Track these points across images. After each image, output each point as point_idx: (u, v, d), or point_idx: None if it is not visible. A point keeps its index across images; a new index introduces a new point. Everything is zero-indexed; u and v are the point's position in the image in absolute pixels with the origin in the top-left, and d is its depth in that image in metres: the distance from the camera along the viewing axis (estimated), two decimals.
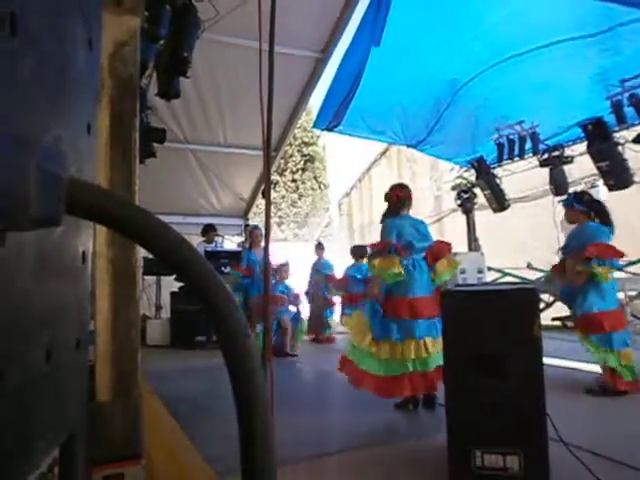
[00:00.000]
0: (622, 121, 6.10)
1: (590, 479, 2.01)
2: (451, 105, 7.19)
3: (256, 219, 12.45)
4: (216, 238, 8.42)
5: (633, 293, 7.17)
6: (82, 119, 0.62)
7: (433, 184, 12.64)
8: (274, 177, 20.61)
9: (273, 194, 20.64)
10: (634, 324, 6.71)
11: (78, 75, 0.59)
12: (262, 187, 8.76)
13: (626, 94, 5.86)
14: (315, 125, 7.63)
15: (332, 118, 6.83)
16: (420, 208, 14.02)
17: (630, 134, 6.20)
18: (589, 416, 3.14)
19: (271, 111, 1.88)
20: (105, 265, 1.29)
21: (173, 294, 7.88)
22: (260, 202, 10.99)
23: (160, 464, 1.72)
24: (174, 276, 5.57)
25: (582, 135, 6.62)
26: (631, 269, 7.94)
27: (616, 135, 6.39)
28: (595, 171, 6.87)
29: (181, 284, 7.36)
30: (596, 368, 3.95)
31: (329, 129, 7.16)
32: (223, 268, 7.40)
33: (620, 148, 6.40)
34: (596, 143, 6.41)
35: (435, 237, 4.06)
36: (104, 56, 1.26)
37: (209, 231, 8.34)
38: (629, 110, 5.91)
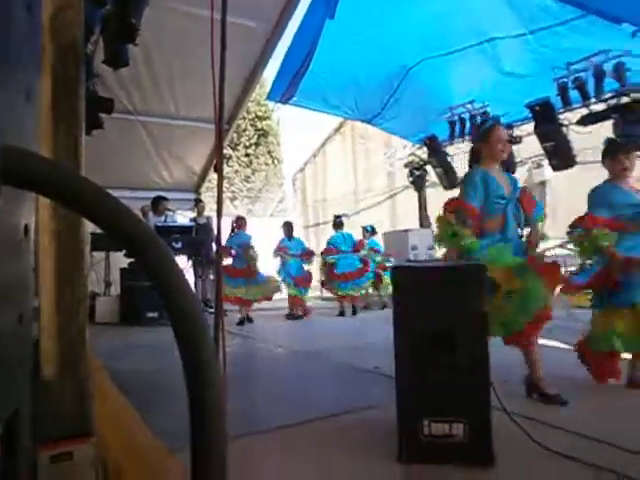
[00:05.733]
0: (567, 103, 6.31)
1: (528, 443, 2.14)
2: (404, 81, 7.23)
3: (208, 194, 12.24)
4: (167, 212, 8.14)
5: (573, 269, 7.49)
6: (20, 86, 0.59)
7: (386, 161, 12.73)
8: (227, 151, 20.26)
9: (226, 169, 20.30)
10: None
11: (16, 40, 0.56)
12: (214, 161, 8.60)
13: (571, 77, 6.05)
14: (269, 97, 7.51)
15: (286, 89, 6.74)
16: (373, 184, 14.15)
17: (574, 116, 6.42)
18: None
19: (223, 82, 1.84)
20: (49, 239, 1.24)
21: (123, 270, 7.69)
22: (212, 177, 10.79)
23: (111, 441, 1.70)
24: (123, 252, 5.44)
25: (530, 116, 6.81)
26: (571, 246, 8.28)
27: (561, 117, 6.61)
28: (541, 151, 7.11)
29: (131, 260, 7.18)
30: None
31: (283, 101, 7.07)
32: (174, 243, 7.27)
33: (564, 129, 6.63)
34: (543, 124, 6.62)
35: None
36: (45, 19, 1.19)
37: (159, 202, 8.00)
38: (573, 93, 6.11)
